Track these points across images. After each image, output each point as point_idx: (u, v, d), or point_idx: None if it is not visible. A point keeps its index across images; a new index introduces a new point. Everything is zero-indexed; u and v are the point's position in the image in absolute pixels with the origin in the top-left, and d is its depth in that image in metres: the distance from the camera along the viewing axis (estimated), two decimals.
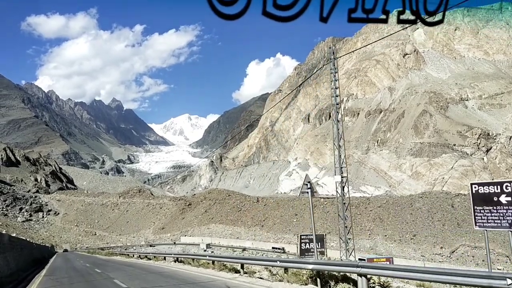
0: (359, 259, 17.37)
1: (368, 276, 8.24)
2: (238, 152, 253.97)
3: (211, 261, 17.49)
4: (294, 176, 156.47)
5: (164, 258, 26.83)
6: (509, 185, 8.01)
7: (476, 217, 8.66)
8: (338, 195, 19.68)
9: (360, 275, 8.02)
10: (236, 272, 14.35)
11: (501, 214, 8.11)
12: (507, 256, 37.97)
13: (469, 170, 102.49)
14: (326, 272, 9.64)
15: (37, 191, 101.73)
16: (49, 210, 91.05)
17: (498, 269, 33.48)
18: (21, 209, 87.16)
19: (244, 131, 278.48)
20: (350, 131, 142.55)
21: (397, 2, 2.80)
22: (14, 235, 35.05)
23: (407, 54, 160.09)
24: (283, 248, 45.21)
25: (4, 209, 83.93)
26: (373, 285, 9.16)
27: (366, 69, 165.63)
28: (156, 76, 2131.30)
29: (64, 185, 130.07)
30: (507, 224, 8.09)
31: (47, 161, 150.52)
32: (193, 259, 20.55)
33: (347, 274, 9.21)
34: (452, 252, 41.38)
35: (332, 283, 9.38)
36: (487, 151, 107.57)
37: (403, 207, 52.75)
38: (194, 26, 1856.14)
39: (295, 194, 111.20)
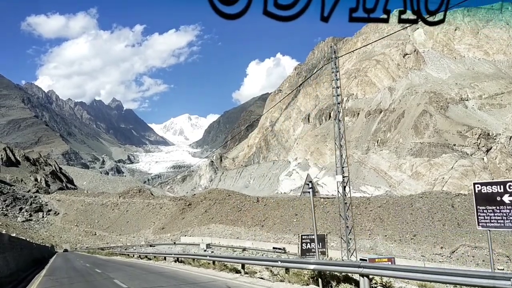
0: (361, 259, 17.32)
1: (370, 276, 8.19)
2: (238, 152, 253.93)
3: (211, 261, 17.45)
4: (294, 176, 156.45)
5: (165, 258, 26.78)
6: None
7: (479, 217, 8.58)
8: (339, 195, 19.63)
9: (362, 275, 7.97)
10: (237, 272, 14.31)
11: (504, 214, 8.05)
12: (507, 256, 37.96)
13: (469, 170, 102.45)
14: (327, 272, 9.59)
15: (37, 191, 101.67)
16: (49, 210, 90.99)
17: (498, 269, 33.43)
18: (21, 209, 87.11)
19: (244, 131, 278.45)
20: (350, 131, 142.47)
21: (398, 1, 2.80)
22: (14, 235, 35.01)
23: (407, 54, 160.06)
24: (284, 248, 45.12)
25: (4, 209, 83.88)
26: (375, 285, 9.12)
27: (366, 69, 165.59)
28: (156, 76, 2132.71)
29: (64, 185, 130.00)
30: (510, 224, 8.03)
31: (47, 161, 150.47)
32: (193, 259, 20.51)
33: (349, 274, 9.17)
34: (452, 252, 41.34)
35: (334, 284, 9.33)
36: (487, 151, 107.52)
37: (403, 207, 52.71)
38: (194, 26, 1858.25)
39: (295, 194, 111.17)
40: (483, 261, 38.33)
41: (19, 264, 19.17)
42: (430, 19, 2.84)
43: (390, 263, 18.75)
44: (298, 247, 20.05)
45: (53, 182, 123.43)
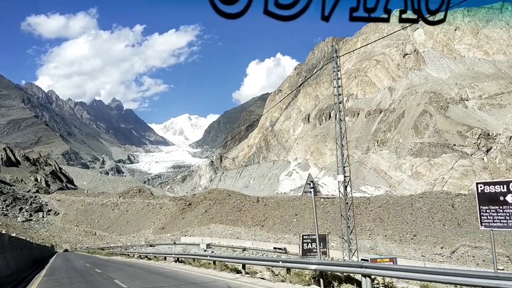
0: (362, 259, 17.27)
1: (372, 276, 8.14)
2: (238, 152, 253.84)
3: (212, 261, 17.40)
4: (294, 176, 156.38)
5: (165, 258, 26.74)
6: None
7: (482, 217, 8.50)
8: (341, 195, 19.58)
9: (364, 275, 7.91)
10: (237, 273, 14.27)
11: (508, 214, 7.97)
12: (508, 256, 37.92)
13: (469, 170, 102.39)
14: (329, 272, 9.55)
15: (37, 191, 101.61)
16: (49, 210, 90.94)
17: (499, 269, 33.40)
18: (21, 209, 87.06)
19: (244, 131, 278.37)
20: (350, 131, 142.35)
21: (399, 1, 2.80)
22: (14, 235, 34.96)
23: (407, 54, 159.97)
24: (285, 248, 44.97)
25: (4, 209, 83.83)
26: (377, 286, 9.08)
27: (366, 69, 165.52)
28: (156, 76, 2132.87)
29: (64, 185, 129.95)
30: None
31: (47, 161, 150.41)
32: (194, 259, 20.46)
33: (351, 274, 9.12)
34: (453, 252, 41.29)
35: (336, 284, 9.29)
36: (487, 151, 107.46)
37: (403, 207, 52.67)
38: (194, 26, 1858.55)
39: (295, 194, 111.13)
40: (483, 261, 38.32)
41: (19, 264, 19.12)
42: (431, 18, 2.83)
43: (392, 263, 18.69)
44: (299, 247, 19.99)
45: (53, 182, 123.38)
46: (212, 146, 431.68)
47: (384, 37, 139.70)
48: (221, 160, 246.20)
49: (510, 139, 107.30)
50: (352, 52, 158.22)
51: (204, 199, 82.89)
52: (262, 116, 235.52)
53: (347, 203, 19.22)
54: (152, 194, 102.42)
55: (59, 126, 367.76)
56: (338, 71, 20.23)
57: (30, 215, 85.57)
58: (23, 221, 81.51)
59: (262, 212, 66.98)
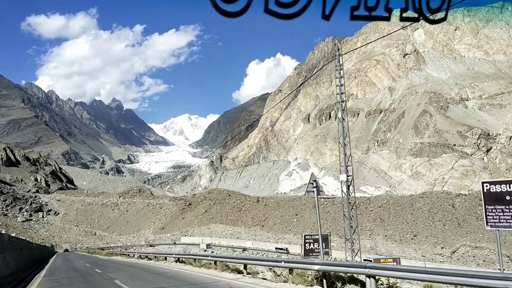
0: (365, 259, 17.18)
1: (377, 277, 8.04)
2: (238, 152, 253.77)
3: (213, 262, 17.31)
4: (294, 176, 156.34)
5: (165, 258, 26.64)
6: None
7: (488, 217, 8.37)
8: (344, 195, 19.47)
9: (368, 276, 7.81)
10: (239, 273, 14.17)
11: None
12: (508, 256, 37.83)
13: (469, 170, 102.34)
14: (332, 273, 9.45)
15: (37, 191, 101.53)
16: (49, 210, 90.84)
17: (499, 269, 33.33)
18: (21, 209, 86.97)
19: (244, 131, 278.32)
20: (350, 131, 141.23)
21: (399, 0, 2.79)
22: (14, 235, 34.85)
23: (407, 54, 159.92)
24: (286, 248, 44.78)
25: (4, 209, 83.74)
26: (381, 286, 8.98)
27: (366, 69, 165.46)
28: (156, 76, 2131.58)
29: (64, 185, 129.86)
30: None
31: (47, 161, 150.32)
32: (194, 260, 20.37)
33: (355, 275, 9.02)
34: (453, 252, 41.22)
35: (339, 285, 9.19)
36: (487, 151, 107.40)
37: (404, 207, 52.61)
38: (194, 26, 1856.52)
39: (295, 194, 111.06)
40: (484, 261, 38.24)
41: (19, 264, 19.03)
42: (432, 17, 2.83)
43: (395, 263, 18.60)
44: (301, 247, 19.89)
45: (53, 182, 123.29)
46: (212, 146, 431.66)
47: (384, 37, 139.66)
48: (221, 160, 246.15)
49: (510, 139, 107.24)
50: (352, 52, 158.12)
51: (204, 199, 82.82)
52: (262, 116, 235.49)
53: (349, 202, 19.12)
54: (152, 194, 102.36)
55: (59, 126, 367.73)
56: (341, 69, 20.13)
57: (30, 215, 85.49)
58: (23, 221, 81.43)
59: (262, 212, 66.92)
